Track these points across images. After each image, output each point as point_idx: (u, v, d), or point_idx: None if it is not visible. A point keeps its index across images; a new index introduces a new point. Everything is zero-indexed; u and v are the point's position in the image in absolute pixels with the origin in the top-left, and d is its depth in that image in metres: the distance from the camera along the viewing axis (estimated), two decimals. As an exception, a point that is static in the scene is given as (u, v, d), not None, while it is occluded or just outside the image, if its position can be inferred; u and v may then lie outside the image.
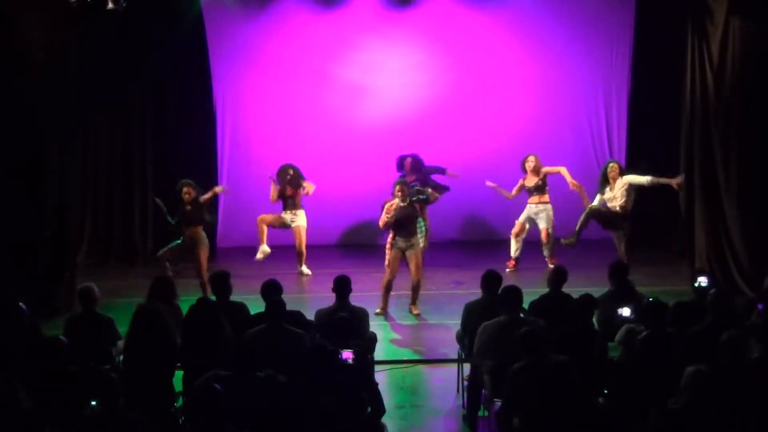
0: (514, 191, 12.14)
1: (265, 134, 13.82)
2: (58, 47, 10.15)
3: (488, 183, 12.25)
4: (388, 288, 10.09)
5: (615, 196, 11.31)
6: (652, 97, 13.11)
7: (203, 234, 10.83)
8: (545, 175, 11.99)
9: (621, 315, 7.31)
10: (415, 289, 10.15)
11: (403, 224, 9.98)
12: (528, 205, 12.06)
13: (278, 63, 13.70)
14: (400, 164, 12.45)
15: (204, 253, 10.70)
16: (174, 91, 13.19)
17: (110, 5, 9.93)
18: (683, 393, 5.29)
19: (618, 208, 11.30)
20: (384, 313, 10.11)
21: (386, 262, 10.19)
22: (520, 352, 6.28)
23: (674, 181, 10.96)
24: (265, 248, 11.84)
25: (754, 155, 10.12)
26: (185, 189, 10.84)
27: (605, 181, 11.38)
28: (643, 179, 11.27)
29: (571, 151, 13.76)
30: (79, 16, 10.29)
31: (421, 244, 10.26)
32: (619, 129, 13.89)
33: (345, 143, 13.78)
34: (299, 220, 11.85)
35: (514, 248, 12.04)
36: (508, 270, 11.79)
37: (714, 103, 10.35)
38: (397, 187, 10.02)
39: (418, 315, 10.14)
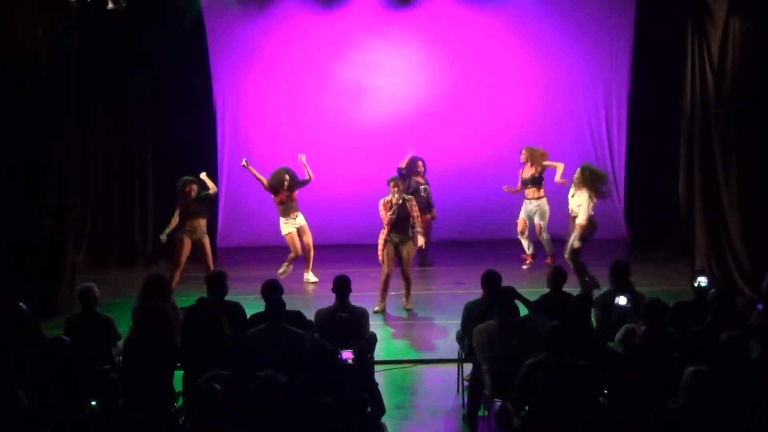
0: (518, 185, 12.20)
1: (265, 134, 13.83)
2: (58, 47, 10.15)
3: (504, 188, 12.27)
4: (386, 285, 10.17)
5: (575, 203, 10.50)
6: (652, 97, 13.13)
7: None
8: (543, 169, 11.99)
9: (618, 303, 7.32)
10: (407, 284, 10.25)
11: (398, 221, 10.08)
12: (524, 202, 12.07)
13: (278, 63, 13.71)
14: (412, 168, 12.29)
15: (208, 243, 10.92)
16: (174, 91, 13.20)
17: (110, 5, 9.94)
18: (683, 393, 5.29)
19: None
20: (383, 311, 10.16)
21: (380, 258, 10.22)
22: (521, 352, 6.30)
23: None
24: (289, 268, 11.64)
25: (754, 155, 10.12)
26: (190, 187, 10.86)
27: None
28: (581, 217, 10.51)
29: (571, 151, 13.75)
30: (79, 16, 10.30)
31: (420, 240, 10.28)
32: (619, 129, 13.91)
33: (345, 143, 13.79)
34: (300, 220, 11.67)
35: (526, 245, 12.14)
36: (524, 267, 12.01)
37: (714, 103, 10.34)
38: (392, 184, 10.12)
39: (409, 310, 10.24)
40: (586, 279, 10.17)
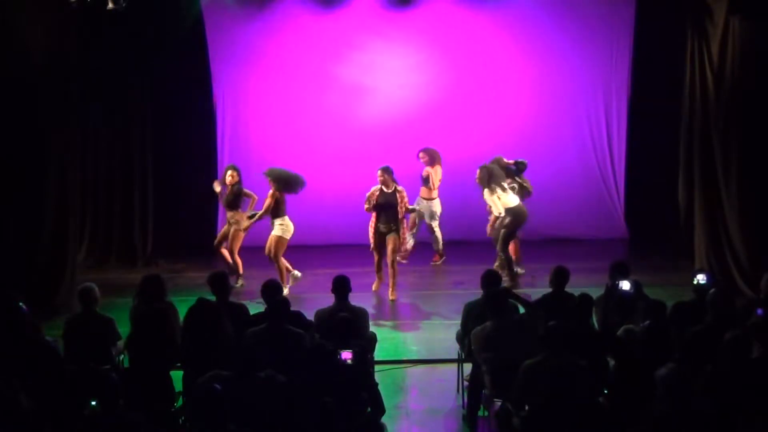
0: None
1: (265, 134, 13.83)
2: (58, 47, 10.15)
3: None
4: (378, 267, 10.75)
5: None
6: (652, 97, 13.12)
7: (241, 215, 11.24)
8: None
9: (621, 288, 7.35)
10: (393, 273, 10.57)
11: (384, 209, 10.48)
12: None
13: (278, 63, 13.71)
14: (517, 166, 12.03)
15: (240, 236, 11.24)
16: (174, 91, 13.19)
17: (110, 5, 9.94)
18: (663, 398, 5.28)
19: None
20: (378, 290, 10.71)
21: (372, 245, 10.68)
22: (519, 351, 6.29)
23: None
24: (296, 274, 11.08)
25: (754, 155, 10.13)
26: (230, 172, 11.18)
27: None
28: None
29: (570, 151, 13.78)
30: (79, 16, 10.30)
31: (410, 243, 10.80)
32: (619, 129, 13.90)
33: (345, 143, 13.79)
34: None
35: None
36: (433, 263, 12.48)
37: (714, 102, 10.36)
38: (379, 173, 10.54)
39: (393, 300, 10.54)
40: (514, 272, 10.83)
